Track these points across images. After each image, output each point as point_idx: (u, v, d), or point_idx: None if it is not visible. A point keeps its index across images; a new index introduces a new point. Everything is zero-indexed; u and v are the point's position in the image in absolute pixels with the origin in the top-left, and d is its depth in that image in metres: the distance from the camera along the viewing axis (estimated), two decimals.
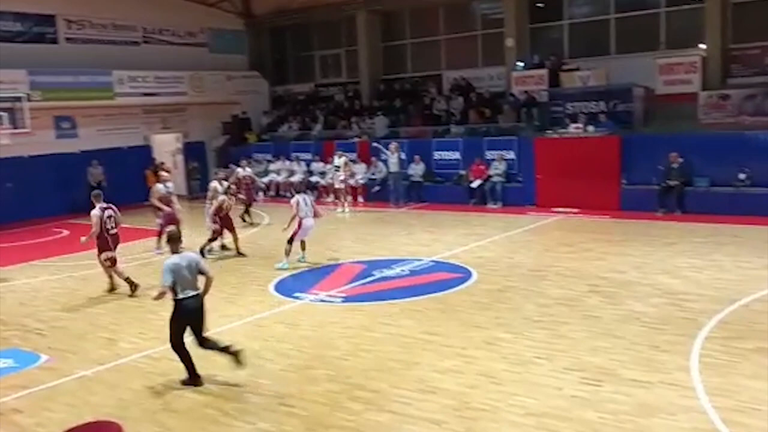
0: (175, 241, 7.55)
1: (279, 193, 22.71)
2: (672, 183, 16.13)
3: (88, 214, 11.33)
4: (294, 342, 8.61)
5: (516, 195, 18.54)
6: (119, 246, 11.56)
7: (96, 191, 11.62)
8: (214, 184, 14.91)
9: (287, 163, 23.62)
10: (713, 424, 5.95)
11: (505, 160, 19.10)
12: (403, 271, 12.03)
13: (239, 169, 19.07)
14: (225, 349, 7.42)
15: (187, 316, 7.32)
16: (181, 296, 7.24)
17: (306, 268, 12.55)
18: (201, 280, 7.49)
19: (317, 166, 22.70)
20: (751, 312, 8.84)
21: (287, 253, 12.57)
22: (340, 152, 20.68)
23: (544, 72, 20.76)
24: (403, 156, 20.17)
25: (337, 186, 20.15)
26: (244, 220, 17.93)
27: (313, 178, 22.42)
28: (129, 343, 8.89)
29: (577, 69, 20.45)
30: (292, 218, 12.59)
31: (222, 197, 14.03)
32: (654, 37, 20.01)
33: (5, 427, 6.70)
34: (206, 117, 25.80)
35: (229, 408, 6.78)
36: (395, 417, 6.38)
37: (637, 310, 9.17)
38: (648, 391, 6.62)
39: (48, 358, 8.53)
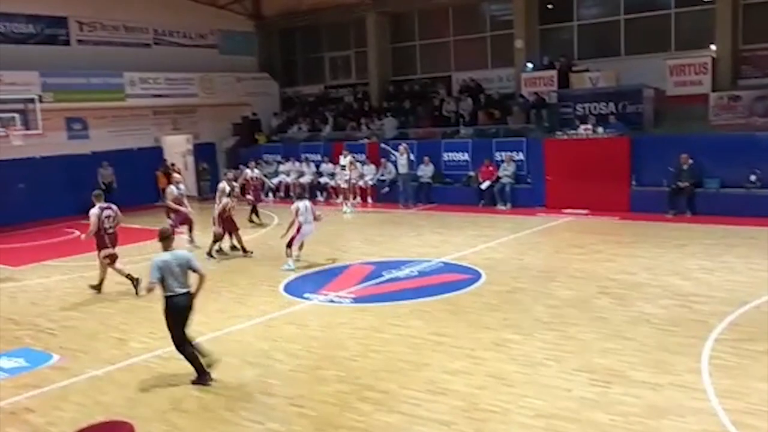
0: (166, 239, 7.66)
1: (289, 194, 22.75)
2: (682, 184, 16.06)
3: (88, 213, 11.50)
4: (303, 342, 8.64)
5: (525, 196, 18.51)
6: (117, 246, 11.66)
7: (97, 191, 11.81)
8: (222, 185, 15.01)
9: (297, 164, 23.68)
10: (723, 426, 5.93)
11: (515, 161, 19.09)
12: (412, 272, 12.05)
13: (247, 170, 19.16)
14: (199, 366, 7.46)
15: (176, 313, 7.42)
16: (169, 293, 7.36)
17: (312, 269, 12.58)
18: (194, 278, 7.58)
19: (327, 167, 22.75)
20: (762, 314, 8.80)
21: (288, 256, 12.71)
22: (345, 152, 20.84)
23: (553, 73, 20.73)
24: (412, 157, 20.19)
25: (342, 185, 20.24)
26: (252, 221, 17.99)
27: (323, 179, 22.47)
28: (139, 343, 8.94)
29: (587, 70, 20.41)
30: (291, 224, 12.78)
31: (225, 199, 14.16)
32: (664, 38, 19.94)
33: (17, 426, 6.76)
34: (216, 118, 25.92)
35: (239, 408, 6.81)
36: (404, 418, 6.40)
37: (647, 311, 9.14)
38: (658, 392, 6.60)
39: (59, 357, 8.59)
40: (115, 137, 23.08)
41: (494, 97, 22.07)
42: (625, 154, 17.12)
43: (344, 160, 20.52)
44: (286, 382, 7.42)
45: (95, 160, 21.98)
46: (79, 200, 20.45)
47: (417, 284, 11.25)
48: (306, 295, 10.86)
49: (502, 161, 19.19)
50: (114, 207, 11.64)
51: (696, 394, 6.54)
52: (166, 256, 7.43)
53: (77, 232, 18.07)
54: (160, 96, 23.56)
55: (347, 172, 20.33)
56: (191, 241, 14.97)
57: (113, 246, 11.49)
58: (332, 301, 10.47)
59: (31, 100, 19.34)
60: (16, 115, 18.97)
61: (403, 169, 20.01)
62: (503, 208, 18.54)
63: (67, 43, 22.34)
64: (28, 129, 19.16)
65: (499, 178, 19.00)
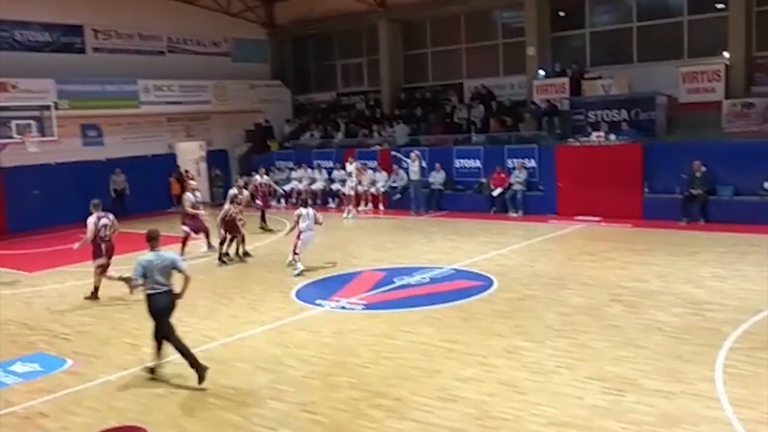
0: (152, 240, 7.96)
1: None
2: (695, 192, 15.99)
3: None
4: (315, 349, 8.66)
5: (537, 203, 18.48)
6: (114, 255, 11.78)
7: (95, 200, 11.89)
8: (233, 191, 15.15)
9: (309, 170, 23.77)
10: None
11: (526, 168, 19.06)
12: (423, 278, 12.06)
13: (257, 176, 19.27)
14: (189, 356, 7.69)
15: (156, 311, 7.70)
16: (150, 291, 7.66)
17: (324, 276, 12.62)
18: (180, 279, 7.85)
19: (338, 173, 22.82)
20: None
21: (296, 261, 12.89)
22: (351, 159, 20.99)
23: (565, 80, 20.70)
24: (424, 164, 20.22)
25: (347, 192, 20.36)
26: (263, 228, 18.04)
27: (335, 186, 22.54)
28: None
29: (599, 77, 20.37)
30: (292, 228, 13.10)
31: (227, 206, 14.30)
32: (677, 46, 19.87)
33: (32, 430, 6.82)
34: (229, 125, 26.08)
35: (251, 414, 6.84)
36: (416, 425, 6.40)
37: (659, 319, 9.10)
38: (671, 401, 6.57)
39: (73, 362, 8.65)
40: (129, 144, 23.28)
41: (506, 104, 22.07)
42: (637, 162, 17.06)
43: (350, 167, 20.70)
44: (299, 388, 7.44)
45: (109, 167, 22.19)
46: None
47: (428, 291, 11.26)
48: (318, 301, 10.88)
49: (514, 168, 19.18)
50: (111, 216, 11.82)
51: (710, 403, 6.50)
52: (150, 255, 7.76)
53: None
54: (173, 103, 23.72)
55: (354, 178, 20.45)
56: (210, 246, 15.08)
57: (109, 255, 11.64)
58: (344, 308, 10.49)
59: (47, 107, 19.49)
60: (32, 121, 19.11)
61: (414, 175, 20.04)
62: (515, 215, 18.52)
63: (82, 51, 22.57)
64: (43, 136, 19.31)
65: (510, 185, 18.98)
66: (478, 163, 20.33)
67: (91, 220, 11.50)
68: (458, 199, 20.13)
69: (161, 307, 7.70)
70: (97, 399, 7.44)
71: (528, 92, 21.86)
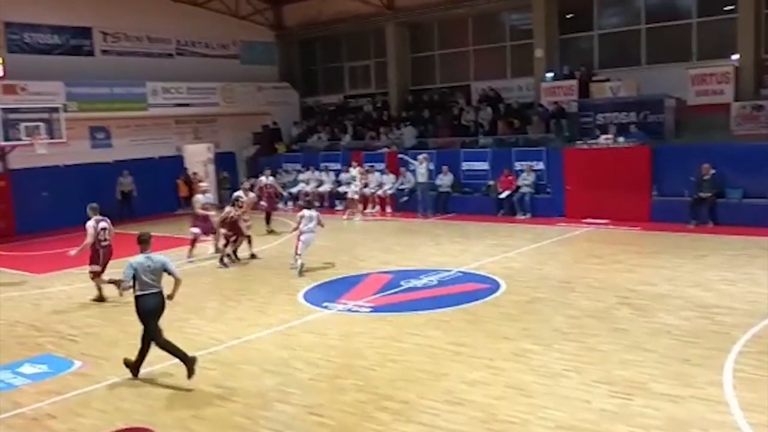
0: (143, 242, 8.04)
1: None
2: (704, 195, 15.92)
3: (113, 223, 11.72)
4: (322, 351, 8.66)
5: (545, 206, 18.44)
6: (111, 259, 11.78)
7: (93, 204, 11.94)
8: (237, 193, 15.22)
9: (316, 173, 23.79)
10: None
11: (534, 170, 19.02)
12: (431, 281, 12.04)
13: (262, 178, 19.32)
14: (140, 358, 7.90)
15: (145, 312, 7.79)
16: (139, 293, 7.76)
17: (331, 279, 12.63)
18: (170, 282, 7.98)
19: (346, 176, 22.83)
20: None
21: (297, 260, 13.12)
22: (355, 163, 21.12)
23: (573, 83, 20.66)
24: (432, 167, 20.21)
25: (350, 196, 20.44)
26: (272, 231, 18.04)
27: (342, 188, 22.55)
28: (159, 351, 8.98)
29: (608, 80, 20.32)
30: (294, 228, 13.34)
31: (228, 208, 14.34)
32: (686, 48, 19.82)
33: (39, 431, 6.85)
34: (237, 127, 26.14)
35: (258, 416, 6.84)
36: (423, 428, 6.38)
37: (668, 323, 9.06)
38: (679, 405, 6.53)
39: (81, 364, 8.68)
40: (138, 146, 23.37)
41: (513, 106, 22.04)
42: (646, 164, 17.01)
43: (354, 171, 20.77)
44: (305, 390, 7.44)
45: (117, 169, 22.26)
46: (102, 208, 20.76)
47: (435, 294, 11.24)
48: (324, 303, 10.88)
49: (522, 171, 19.14)
50: (108, 220, 11.90)
51: (719, 407, 6.46)
52: (140, 258, 7.86)
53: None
54: (181, 105, 23.81)
55: (357, 183, 20.50)
56: (218, 249, 15.05)
57: (105, 260, 11.70)
58: (351, 310, 10.48)
59: (56, 110, 19.65)
60: (41, 124, 19.27)
61: (422, 178, 20.03)
62: (523, 217, 18.48)
63: (91, 53, 22.67)
64: (52, 138, 19.45)
65: (518, 187, 18.95)
66: (485, 166, 20.30)
67: (90, 224, 11.58)
68: (465, 201, 20.11)
69: (150, 308, 7.80)
70: (105, 401, 7.45)
71: (536, 94, 21.82)
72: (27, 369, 8.55)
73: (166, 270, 7.91)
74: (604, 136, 18.04)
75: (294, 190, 23.21)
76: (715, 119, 17.58)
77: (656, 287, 10.88)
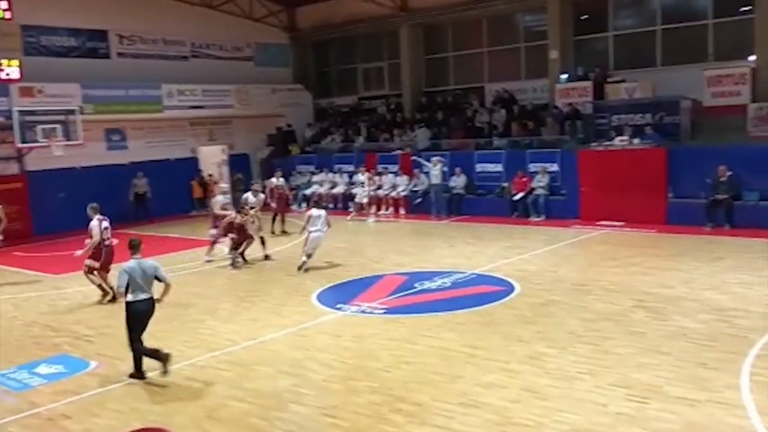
0: (134, 248, 8.16)
1: (324, 207, 22.90)
2: (720, 197, 15.78)
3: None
4: (336, 353, 8.66)
5: (559, 208, 18.36)
6: (113, 261, 11.86)
7: (93, 204, 12.09)
8: (247, 195, 15.27)
9: (330, 174, 23.83)
10: None
11: (549, 172, 18.95)
12: (444, 283, 12.02)
13: (272, 179, 19.37)
14: (155, 354, 7.95)
15: (136, 317, 7.91)
16: (130, 298, 7.87)
17: (345, 280, 12.64)
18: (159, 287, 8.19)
19: (359, 177, 22.84)
20: None
21: (303, 258, 13.45)
22: (362, 168, 21.16)
23: (588, 84, 20.56)
24: (445, 168, 20.19)
25: (357, 200, 20.60)
26: (274, 232, 18.01)
27: (355, 190, 22.55)
28: (175, 351, 8.98)
29: (623, 81, 20.21)
30: (303, 228, 13.52)
31: (233, 214, 14.33)
32: (702, 49, 19.67)
33: (55, 431, 6.89)
34: (251, 129, 26.23)
35: (273, 417, 6.85)
36: (437, 430, 6.37)
37: (684, 326, 8.99)
38: (696, 409, 6.48)
39: (97, 364, 8.74)
40: (153, 148, 23.50)
41: (528, 108, 21.97)
42: (661, 166, 16.89)
43: (362, 177, 20.79)
44: (320, 392, 7.45)
45: (133, 171, 22.38)
46: (117, 210, 20.90)
47: (450, 296, 11.22)
48: (338, 305, 10.89)
49: (536, 172, 19.07)
50: (108, 219, 12.08)
51: (736, 411, 6.40)
52: (132, 263, 7.97)
53: (116, 241, 18.44)
54: (196, 107, 23.91)
55: (366, 188, 20.51)
56: (207, 253, 15.04)
57: (107, 259, 11.85)
58: (364, 312, 10.48)
59: (72, 112, 19.81)
60: (57, 126, 19.44)
61: (436, 179, 20.01)
62: (537, 219, 18.41)
63: (107, 56, 22.82)
64: (68, 140, 19.62)
65: (532, 189, 18.88)
66: (499, 168, 20.23)
67: (94, 224, 11.78)
68: (479, 203, 20.05)
69: (141, 314, 7.92)
70: (121, 401, 7.50)
71: (550, 96, 21.73)
72: (43, 369, 8.62)
73: (156, 276, 8.05)
74: (619, 138, 17.95)
75: (308, 191, 23.25)
76: (732, 121, 17.42)
77: (672, 290, 10.80)
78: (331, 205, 21.87)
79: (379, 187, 21.28)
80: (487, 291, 11.36)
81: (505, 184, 19.73)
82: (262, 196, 16.42)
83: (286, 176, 22.01)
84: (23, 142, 19.16)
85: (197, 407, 7.20)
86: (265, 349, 9.02)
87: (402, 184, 21.50)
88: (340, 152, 24.80)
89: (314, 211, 13.58)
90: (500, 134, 21.45)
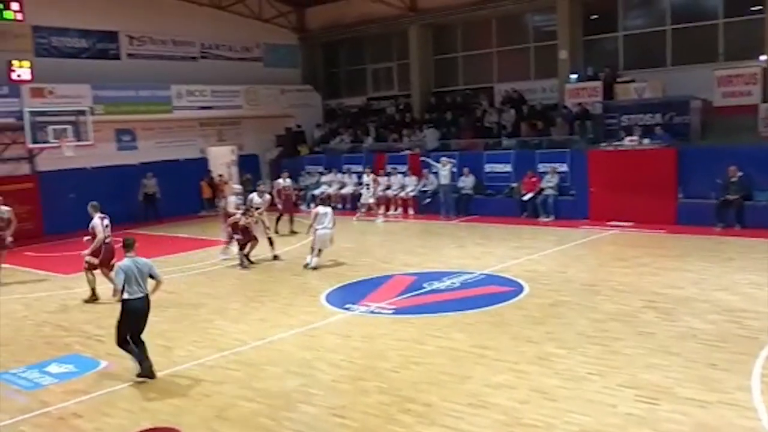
0: (128, 247, 8.27)
1: (330, 205, 22.93)
2: (731, 197, 15.70)
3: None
4: (345, 353, 8.67)
5: (569, 208, 18.31)
6: (114, 259, 11.82)
7: (94, 202, 12.19)
8: (253, 195, 15.30)
9: (339, 175, 23.85)
10: None
11: (558, 172, 18.90)
12: (453, 283, 12.01)
13: (279, 180, 19.39)
14: (140, 359, 8.00)
15: (133, 315, 7.99)
16: (126, 296, 7.95)
17: (354, 280, 12.65)
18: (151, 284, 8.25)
19: (365, 179, 22.84)
20: None
21: (310, 256, 13.72)
22: (368, 169, 21.17)
23: (598, 84, 20.50)
24: (454, 169, 20.17)
25: (362, 201, 20.62)
26: (277, 232, 18.02)
27: (363, 190, 22.56)
28: (185, 351, 9.09)
29: (633, 81, 20.14)
30: (310, 226, 13.75)
31: (237, 215, 14.37)
32: (712, 49, 19.57)
33: (66, 430, 6.93)
34: (260, 130, 26.31)
35: (282, 417, 6.87)
36: (447, 431, 6.37)
37: (694, 326, 8.95)
38: (706, 410, 6.45)
39: (107, 363, 8.77)
40: (162, 148, 23.61)
41: (537, 108, 21.92)
42: (671, 166, 16.82)
43: (367, 179, 20.83)
44: (328, 392, 7.46)
45: (143, 171, 22.49)
46: (127, 210, 21.05)
47: (459, 296, 11.21)
48: (347, 305, 10.90)
49: (546, 173, 19.03)
50: (108, 217, 12.21)
51: (747, 412, 6.37)
52: (128, 262, 8.05)
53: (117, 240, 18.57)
54: (206, 108, 23.97)
55: (371, 189, 20.57)
56: (223, 252, 15.18)
57: (107, 257, 11.91)
58: (373, 312, 10.49)
59: (83, 113, 19.90)
60: (68, 126, 19.54)
61: (444, 180, 20.00)
62: (546, 220, 18.36)
63: (117, 57, 22.94)
64: (79, 140, 19.72)
65: (542, 189, 18.84)
66: (508, 168, 20.20)
67: (96, 222, 11.90)
68: (488, 203, 20.02)
69: (138, 312, 7.99)
70: (131, 400, 7.53)
71: (560, 96, 21.68)
72: (54, 368, 8.67)
73: (151, 274, 8.14)
74: (629, 138, 17.88)
75: (317, 192, 23.28)
76: (742, 121, 17.32)
77: (682, 290, 10.75)
78: (339, 206, 21.90)
79: (388, 188, 21.28)
80: (497, 291, 11.34)
81: (515, 185, 19.70)
82: (268, 196, 16.46)
83: (295, 177, 22.05)
84: (34, 143, 19.27)
85: (206, 407, 7.23)
86: (274, 349, 9.04)
87: (411, 185, 21.50)
88: (349, 153, 24.82)
89: (320, 209, 13.73)
90: (509, 134, 21.42)
